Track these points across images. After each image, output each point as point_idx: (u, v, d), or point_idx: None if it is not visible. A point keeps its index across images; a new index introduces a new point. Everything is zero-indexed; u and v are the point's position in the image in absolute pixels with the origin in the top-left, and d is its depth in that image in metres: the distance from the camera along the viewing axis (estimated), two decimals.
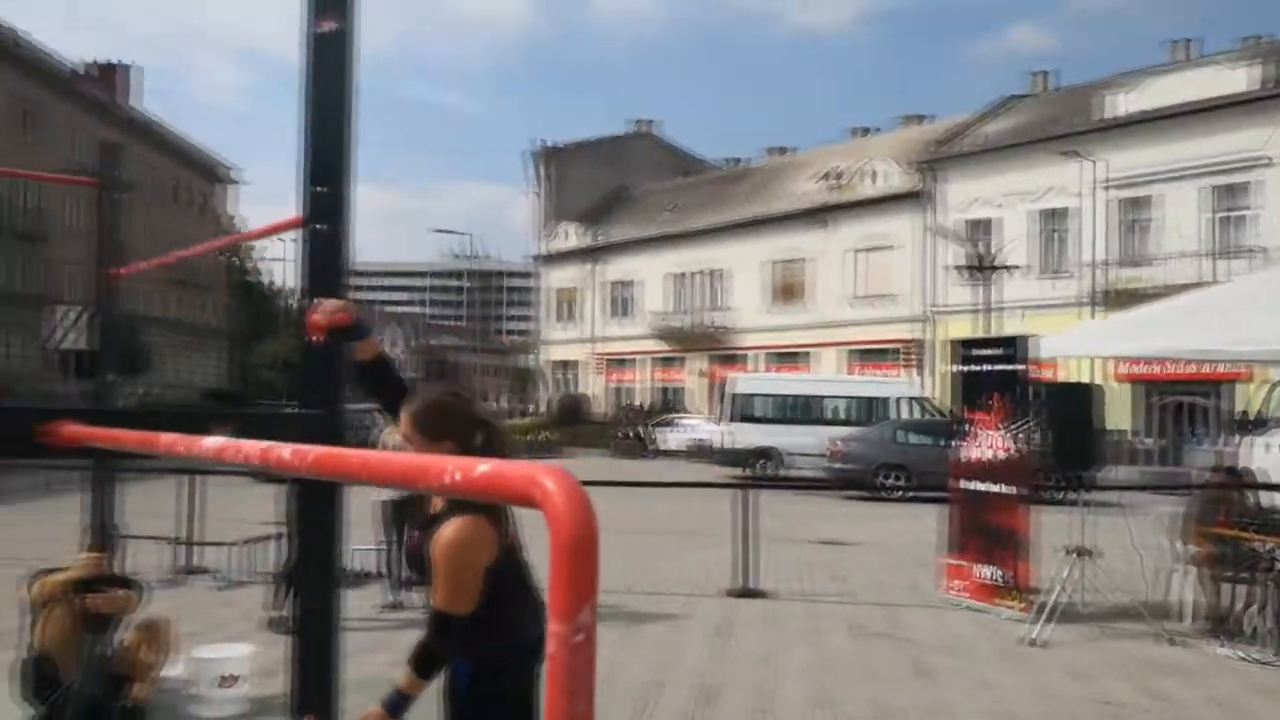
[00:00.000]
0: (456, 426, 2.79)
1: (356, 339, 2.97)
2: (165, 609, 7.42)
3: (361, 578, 8.59)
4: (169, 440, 2.24)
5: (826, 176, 39.46)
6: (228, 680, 5.07)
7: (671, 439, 32.66)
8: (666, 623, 7.39)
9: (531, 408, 51.27)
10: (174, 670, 5.19)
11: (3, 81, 39.76)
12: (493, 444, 2.81)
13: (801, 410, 22.98)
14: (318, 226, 3.07)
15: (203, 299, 59.03)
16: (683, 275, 44.20)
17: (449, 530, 2.65)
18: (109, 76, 49.88)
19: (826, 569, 10.08)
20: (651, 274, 45.32)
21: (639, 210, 49.78)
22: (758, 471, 21.58)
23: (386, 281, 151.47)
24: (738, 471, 21.70)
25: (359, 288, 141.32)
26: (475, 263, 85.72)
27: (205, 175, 59.06)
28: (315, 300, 2.97)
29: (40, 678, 4.81)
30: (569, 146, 52.89)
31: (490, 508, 2.72)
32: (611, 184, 52.40)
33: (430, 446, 2.75)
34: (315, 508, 3.04)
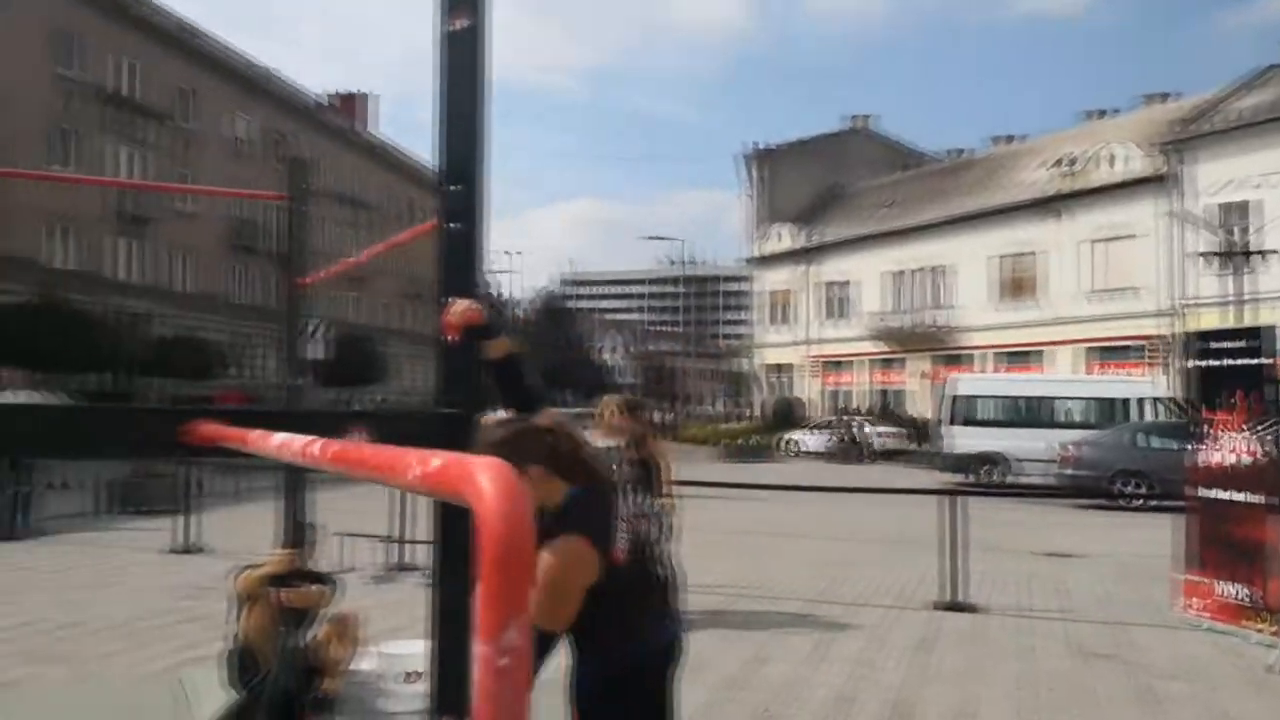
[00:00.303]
0: (531, 452, 2.67)
1: (488, 338, 2.91)
2: (374, 604, 7.76)
3: None
4: (254, 437, 2.23)
5: (1059, 163, 37.15)
6: (412, 676, 5.17)
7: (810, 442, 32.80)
8: (863, 635, 7.02)
9: (746, 412, 51.08)
10: (364, 664, 5.37)
11: (257, 114, 43.53)
12: (578, 461, 2.70)
13: (1029, 413, 21.61)
14: (451, 225, 3.05)
15: (435, 311, 62.17)
16: (902, 273, 42.78)
17: (547, 551, 2.56)
18: (349, 105, 53.69)
19: (1049, 582, 9.35)
20: (868, 273, 44.13)
21: (854, 208, 48.62)
22: (981, 478, 20.48)
23: (606, 290, 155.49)
24: (959, 477, 20.72)
25: (579, 297, 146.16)
26: (690, 268, 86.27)
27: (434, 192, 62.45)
28: (448, 300, 2.94)
29: (243, 667, 5.09)
30: (781, 147, 52.39)
31: (594, 524, 2.61)
32: (826, 183, 51.47)
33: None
34: (455, 508, 3.01)
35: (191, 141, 38.83)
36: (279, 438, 1.81)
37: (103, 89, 33.33)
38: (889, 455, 29.42)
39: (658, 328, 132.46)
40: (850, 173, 51.52)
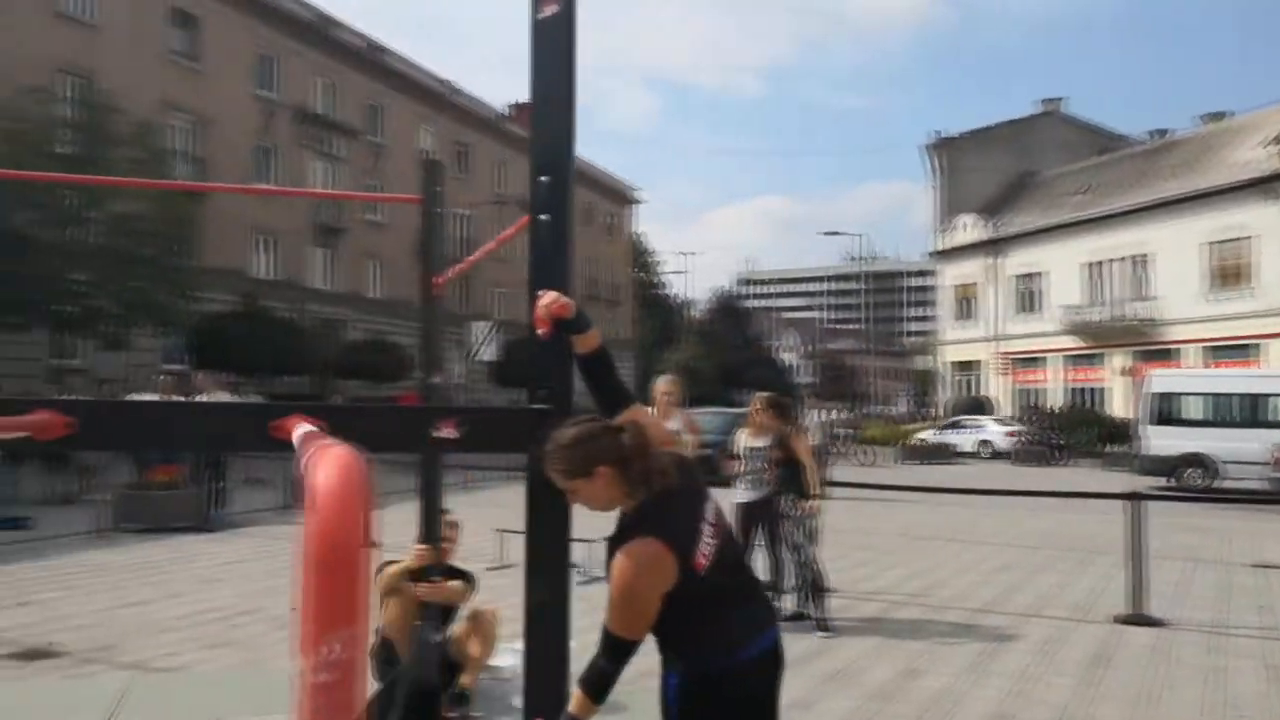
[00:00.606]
0: (601, 452, 2.53)
1: (577, 331, 2.81)
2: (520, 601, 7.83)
3: None
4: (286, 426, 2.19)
5: (1278, 140, 34.13)
6: None
7: (957, 441, 31.66)
8: (1030, 649, 6.55)
9: (931, 411, 49.39)
10: (502, 660, 5.39)
11: (440, 127, 45.36)
12: (653, 463, 2.54)
13: (1240, 411, 19.83)
14: (541, 217, 2.98)
15: (612, 313, 63.29)
16: (1098, 263, 40.35)
17: (621, 555, 2.44)
18: (528, 116, 55.05)
19: (1252, 597, 8.49)
20: (1061, 264, 41.82)
21: (1046, 195, 46.19)
22: (1184, 481, 18.97)
23: (784, 288, 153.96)
24: (1160, 481, 19.28)
25: (757, 296, 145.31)
26: (872, 264, 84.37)
27: (613, 198, 63.49)
28: (539, 293, 2.87)
29: (384, 660, 5.21)
30: (966, 135, 50.39)
31: (672, 528, 2.46)
32: (1014, 170, 49.17)
33: (584, 484, 2.54)
34: (544, 506, 2.93)
35: (381, 154, 40.84)
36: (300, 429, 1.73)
37: (299, 107, 35.46)
38: (1100, 455, 27.59)
39: (838, 325, 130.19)
40: (1040, 159, 49.02)
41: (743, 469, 7.60)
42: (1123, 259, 39.04)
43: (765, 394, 7.79)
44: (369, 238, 39.41)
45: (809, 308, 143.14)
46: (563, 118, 3.01)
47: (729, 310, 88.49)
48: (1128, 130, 52.07)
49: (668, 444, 2.77)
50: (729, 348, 78.37)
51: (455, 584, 5.18)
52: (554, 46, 2.98)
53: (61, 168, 20.92)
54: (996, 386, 44.32)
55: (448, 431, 2.80)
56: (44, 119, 21.62)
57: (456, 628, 5.28)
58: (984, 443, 31.30)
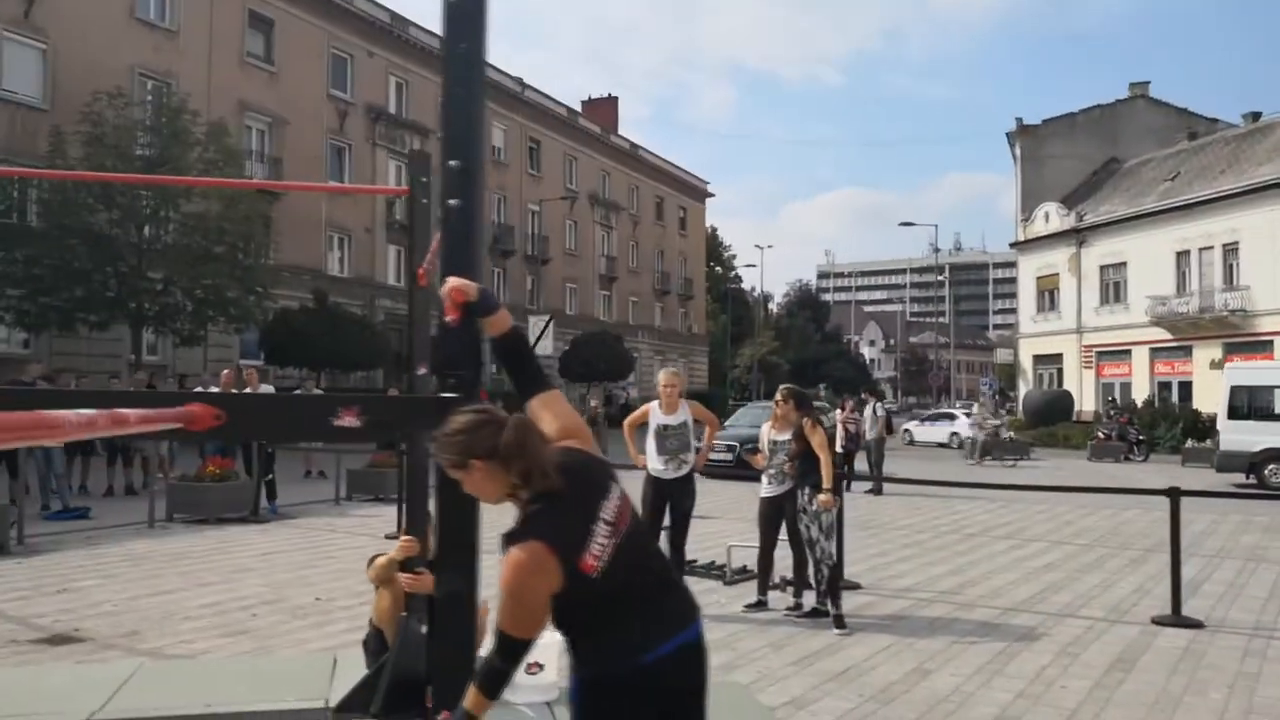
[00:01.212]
0: (480, 445, 2.44)
1: (485, 314, 2.74)
2: None
3: (740, 574, 8.44)
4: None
5: None
6: (533, 667, 5.12)
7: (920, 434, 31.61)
8: (1053, 649, 6.29)
9: (1011, 406, 48.19)
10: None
11: (513, 123, 45.77)
12: (539, 461, 2.44)
13: None
14: (451, 202, 2.92)
15: (685, 308, 63.18)
16: (1186, 253, 38.79)
17: (509, 556, 2.36)
18: (600, 110, 55.43)
19: None
20: (1147, 253, 40.30)
21: (1132, 183, 44.63)
22: (1265, 478, 18.13)
23: (866, 281, 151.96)
24: (1239, 478, 18.48)
25: (837, 289, 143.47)
26: (956, 255, 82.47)
27: (686, 191, 63.33)
28: (445, 278, 2.81)
29: (375, 650, 5.25)
30: (1049, 123, 48.93)
31: (555, 531, 2.38)
32: (1099, 157, 47.62)
33: (464, 475, 2.46)
34: (451, 500, 2.88)
35: None
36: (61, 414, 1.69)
37: (372, 106, 36.10)
38: (1192, 452, 26.51)
39: (921, 319, 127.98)
40: (1127, 145, 47.38)
41: (766, 463, 7.47)
42: (1212, 247, 37.51)
43: (785, 387, 7.65)
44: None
45: (890, 301, 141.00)
46: (473, 104, 2.96)
47: (807, 303, 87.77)
48: (1219, 114, 49.93)
49: (575, 435, 2.68)
50: (806, 341, 77.72)
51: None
52: (464, 31, 2.92)
53: (139, 170, 21.64)
54: (1079, 380, 43.00)
55: (349, 420, 2.77)
56: (122, 122, 22.37)
57: None
58: (953, 434, 31.50)
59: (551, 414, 2.67)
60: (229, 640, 6.41)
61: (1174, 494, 7.16)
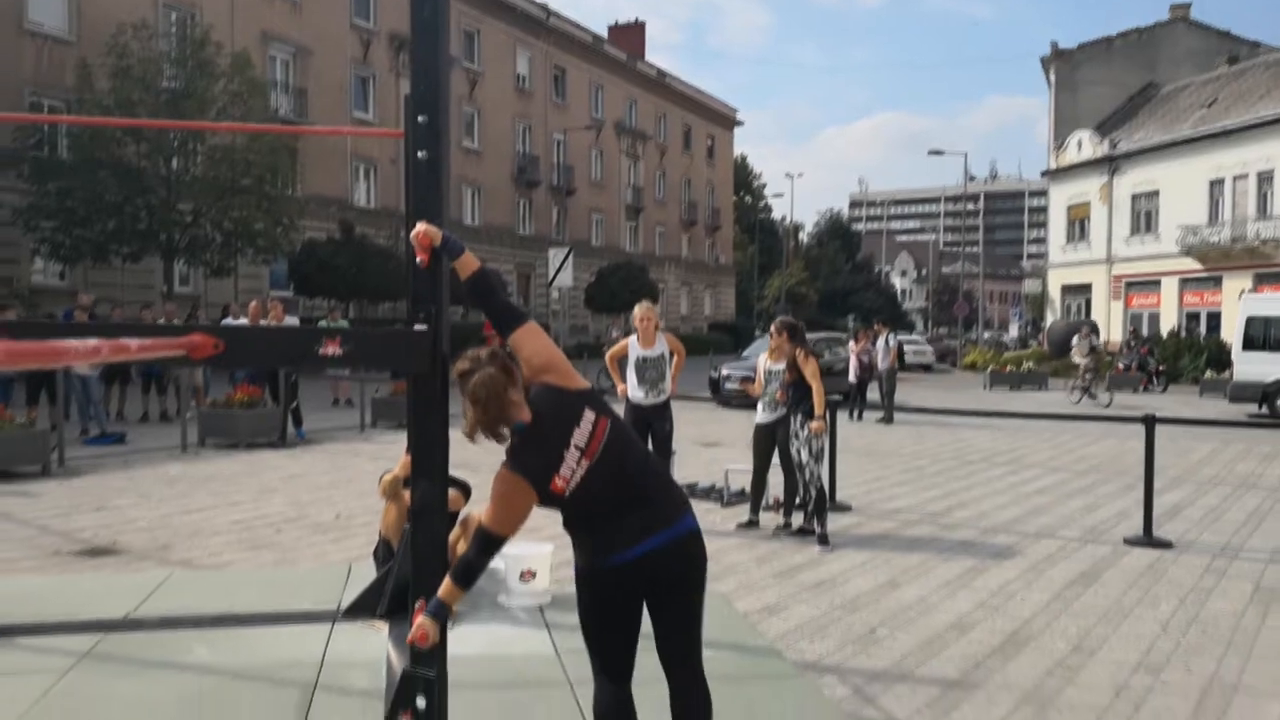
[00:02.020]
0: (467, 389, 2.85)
1: (452, 258, 3.09)
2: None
3: (737, 496, 8.84)
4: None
5: None
6: (527, 575, 5.57)
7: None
8: (1021, 566, 6.65)
9: (1042, 337, 48.04)
10: (491, 563, 5.82)
11: (537, 52, 45.48)
12: (504, 403, 2.82)
13: None
14: (419, 154, 3.25)
15: (712, 238, 63.01)
16: (1220, 181, 38.20)
17: (497, 474, 2.84)
18: (627, 37, 54.79)
19: None
20: (1180, 182, 39.72)
21: (1168, 110, 43.76)
22: (1277, 409, 18.23)
23: (899, 210, 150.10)
24: (1251, 409, 18.61)
25: (870, 218, 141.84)
26: (992, 183, 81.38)
27: (714, 120, 62.73)
28: (414, 223, 3.15)
29: (384, 559, 5.71)
30: (1085, 47, 47.87)
31: (526, 460, 2.80)
32: (1135, 83, 46.64)
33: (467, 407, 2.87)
34: (423, 419, 3.26)
35: (478, 80, 41.30)
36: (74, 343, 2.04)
37: (395, 34, 36.05)
38: (1193, 382, 26.58)
39: (954, 248, 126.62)
40: (1165, 70, 46.34)
41: (761, 391, 7.82)
42: (1246, 175, 36.92)
43: (780, 318, 7.96)
44: (466, 165, 40.09)
45: (923, 230, 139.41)
46: (437, 64, 3.24)
47: (839, 233, 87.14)
48: (1262, 37, 48.63)
49: (551, 367, 3.02)
50: (837, 272, 77.37)
51: (452, 492, 5.59)
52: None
53: (165, 102, 21.98)
54: (1108, 310, 42.77)
55: (332, 350, 3.14)
56: (147, 54, 22.64)
57: (453, 532, 5.71)
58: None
59: (529, 349, 3.03)
60: (254, 553, 6.92)
61: (1149, 421, 7.44)
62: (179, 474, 10.17)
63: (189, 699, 4.12)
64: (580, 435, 2.89)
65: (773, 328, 7.86)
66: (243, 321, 14.02)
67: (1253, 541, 7.53)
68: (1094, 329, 27.05)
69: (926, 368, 37.61)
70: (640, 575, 2.98)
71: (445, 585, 2.94)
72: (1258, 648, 4.95)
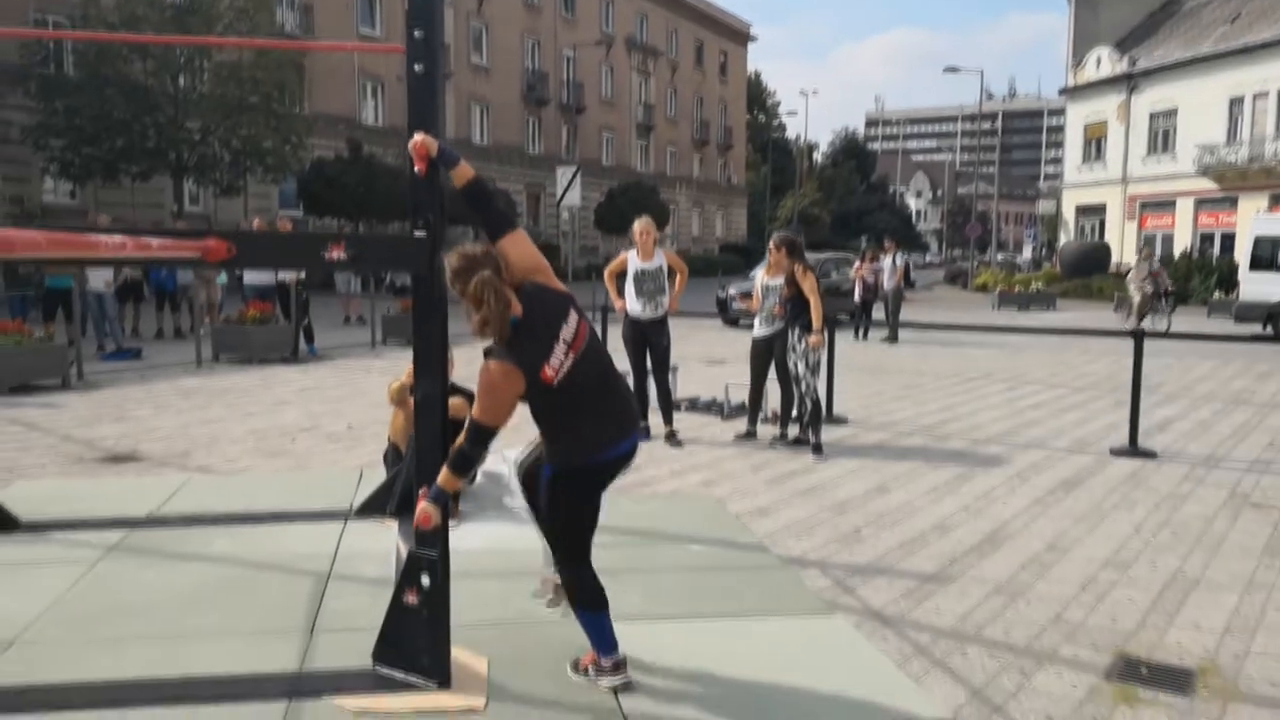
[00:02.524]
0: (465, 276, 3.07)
1: (448, 167, 3.26)
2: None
3: (736, 409, 9.08)
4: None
5: None
6: None
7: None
8: (1006, 474, 6.89)
9: (1055, 258, 47.83)
10: (491, 466, 6.09)
11: None
12: (499, 297, 3.02)
13: None
14: (415, 68, 3.39)
15: (724, 157, 62.44)
16: (1240, 99, 37.61)
17: (485, 366, 3.08)
18: None
19: (1272, 436, 8.54)
20: (1199, 100, 39.11)
21: (1189, 26, 42.88)
22: None
23: (915, 129, 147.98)
24: (1255, 328, 18.70)
25: (886, 137, 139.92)
26: (1008, 102, 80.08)
27: (727, 35, 61.69)
28: (412, 135, 3.32)
29: (392, 462, 5.99)
30: None
31: (521, 352, 3.03)
32: None
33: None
34: (425, 318, 3.46)
35: None
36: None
37: None
38: (1202, 303, 26.55)
39: (970, 169, 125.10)
40: None
41: (758, 306, 7.99)
42: (1267, 94, 36.34)
43: (779, 234, 8.10)
44: (475, 83, 39.75)
45: (939, 150, 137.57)
46: None
47: (853, 152, 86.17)
48: None
49: (537, 270, 3.24)
50: (849, 193, 76.74)
51: (454, 399, 5.83)
52: None
53: (171, 16, 21.84)
54: (1123, 231, 42.50)
55: (337, 254, 3.33)
56: None
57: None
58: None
59: (517, 252, 3.24)
60: (269, 460, 7.21)
61: (1138, 335, 7.61)
62: (195, 387, 10.47)
63: (212, 586, 4.41)
64: (567, 331, 3.13)
65: (771, 243, 8.01)
66: None
67: (1236, 453, 7.74)
68: (1153, 251, 25.65)
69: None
70: (617, 468, 3.28)
71: (443, 473, 3.19)
72: (1223, 548, 5.19)
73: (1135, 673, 3.62)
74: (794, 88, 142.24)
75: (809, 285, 7.55)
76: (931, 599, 4.40)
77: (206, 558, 4.82)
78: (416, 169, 3.30)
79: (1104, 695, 3.44)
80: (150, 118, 22.28)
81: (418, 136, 3.26)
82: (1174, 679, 3.57)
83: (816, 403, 7.58)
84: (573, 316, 3.19)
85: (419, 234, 3.36)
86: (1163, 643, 3.91)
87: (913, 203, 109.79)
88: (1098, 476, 6.82)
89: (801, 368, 7.55)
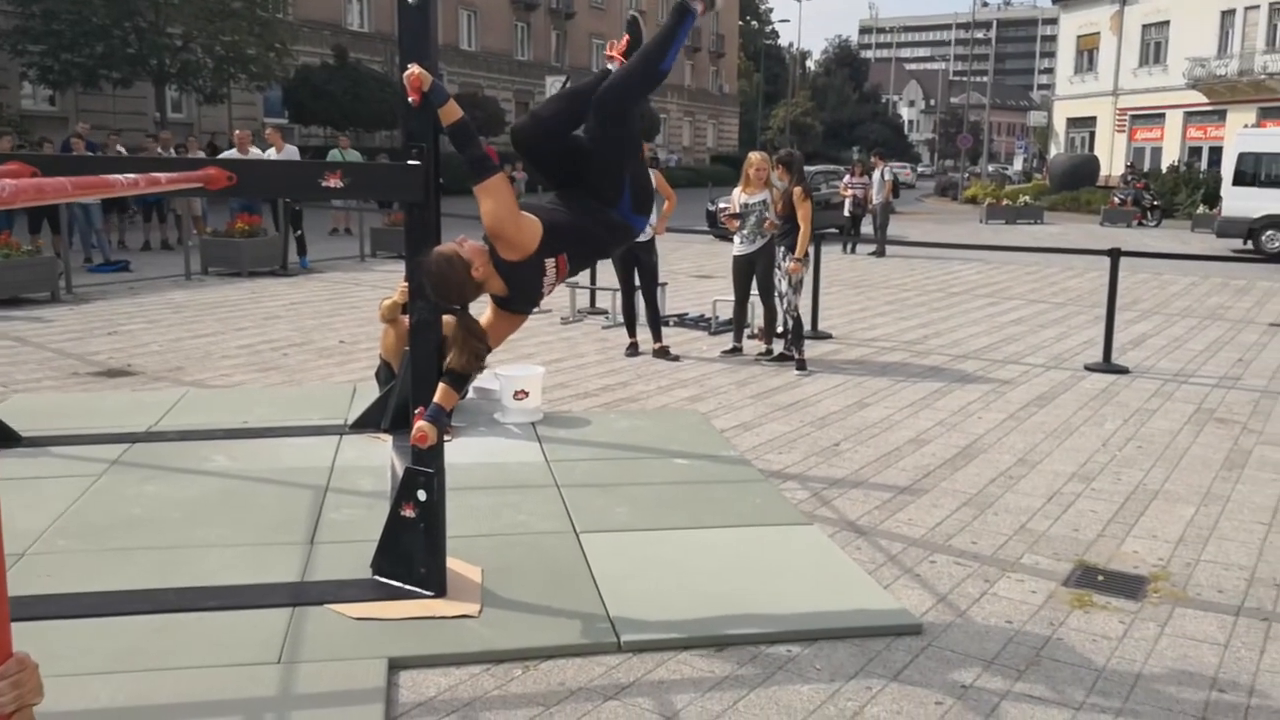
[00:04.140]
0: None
1: (437, 105, 3.29)
2: (557, 341, 8.68)
3: (724, 325, 9.22)
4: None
5: None
6: (520, 394, 5.99)
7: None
8: (982, 389, 7.09)
9: (1044, 170, 47.62)
10: (485, 383, 6.25)
11: None
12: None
13: None
14: (409, 1, 3.43)
15: (715, 65, 61.45)
16: (1232, 12, 37.12)
17: (490, 311, 3.43)
18: None
19: (1242, 352, 8.73)
20: (1191, 12, 38.54)
21: None
22: (1262, 244, 18.47)
23: (910, 37, 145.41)
24: (1236, 244, 18.85)
25: (879, 45, 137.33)
26: (1003, 10, 78.65)
27: None
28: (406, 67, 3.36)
29: (385, 379, 6.13)
30: None
31: (516, 301, 3.33)
32: None
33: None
34: (420, 248, 3.56)
35: None
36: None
37: None
38: (1187, 218, 26.62)
39: (964, 78, 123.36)
40: None
41: (738, 224, 8.02)
42: (1258, 6, 35.85)
43: (781, 151, 8.15)
44: None
45: (934, 59, 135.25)
46: None
47: (846, 62, 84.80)
48: None
49: (496, 234, 3.30)
50: (844, 102, 75.75)
51: (445, 317, 5.94)
52: None
53: None
54: (1112, 144, 42.29)
55: (334, 182, 3.42)
56: None
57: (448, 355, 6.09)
58: None
59: (485, 207, 3.25)
60: (262, 375, 7.34)
61: (1114, 254, 7.76)
62: (185, 300, 10.54)
63: (213, 499, 4.59)
64: (550, 276, 3.28)
65: (756, 158, 8.03)
66: (232, 152, 13.94)
67: (1206, 368, 7.96)
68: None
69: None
70: None
71: (440, 390, 3.33)
72: (1185, 461, 5.42)
73: (1092, 580, 3.85)
74: None
75: (804, 214, 7.62)
76: (904, 510, 4.61)
77: (207, 471, 4.98)
78: (410, 99, 3.35)
79: (1060, 600, 3.67)
80: (130, 23, 21.80)
81: (413, 68, 3.30)
82: (1127, 585, 3.80)
83: (798, 320, 7.73)
84: (549, 263, 3.27)
85: (413, 162, 3.44)
86: (1120, 552, 4.14)
87: (905, 113, 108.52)
88: (1070, 392, 7.03)
89: (785, 285, 7.68)
